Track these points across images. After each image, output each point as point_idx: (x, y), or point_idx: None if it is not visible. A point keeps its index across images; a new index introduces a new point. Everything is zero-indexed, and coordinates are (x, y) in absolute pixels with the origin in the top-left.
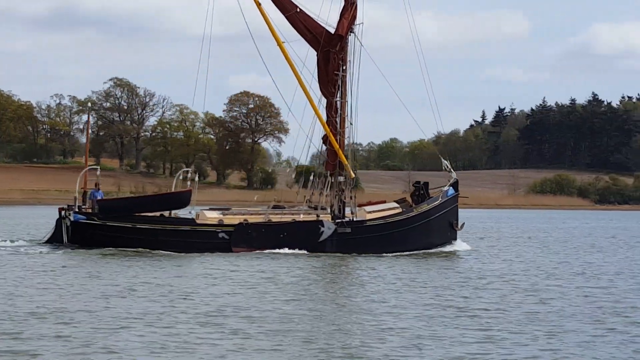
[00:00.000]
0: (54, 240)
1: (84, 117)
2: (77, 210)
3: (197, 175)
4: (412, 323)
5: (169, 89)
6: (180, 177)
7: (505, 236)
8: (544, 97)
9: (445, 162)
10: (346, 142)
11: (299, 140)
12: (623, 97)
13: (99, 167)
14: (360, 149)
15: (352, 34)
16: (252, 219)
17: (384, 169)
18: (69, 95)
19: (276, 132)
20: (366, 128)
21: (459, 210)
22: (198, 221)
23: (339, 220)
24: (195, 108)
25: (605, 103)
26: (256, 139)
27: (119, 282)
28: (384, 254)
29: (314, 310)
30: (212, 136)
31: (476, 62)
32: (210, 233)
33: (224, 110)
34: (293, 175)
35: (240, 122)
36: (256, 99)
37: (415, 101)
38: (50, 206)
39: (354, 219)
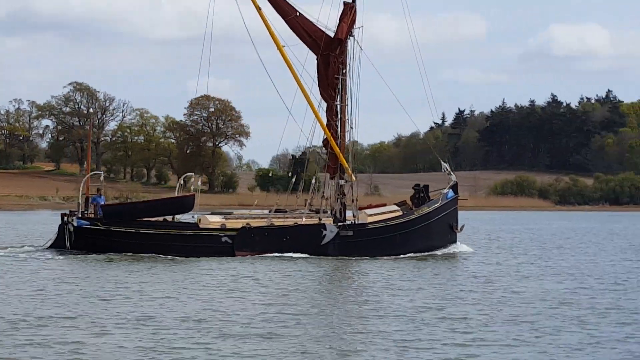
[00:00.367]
0: (57, 246)
1: (44, 122)
2: (80, 215)
3: (199, 181)
4: (403, 326)
5: (128, 93)
6: (182, 182)
7: (499, 239)
8: (504, 99)
9: (445, 164)
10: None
11: (296, 142)
12: (582, 99)
13: (102, 173)
14: (319, 152)
15: (351, 37)
16: (255, 223)
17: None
18: (28, 100)
19: (237, 135)
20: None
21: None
22: (201, 225)
23: (341, 224)
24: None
25: (565, 104)
26: (217, 143)
27: (126, 286)
28: (385, 257)
29: (307, 315)
30: (173, 140)
31: (435, 64)
32: (213, 237)
33: (184, 114)
34: (293, 180)
35: (201, 126)
36: (217, 102)
37: (378, 104)
38: (10, 212)
39: (356, 222)
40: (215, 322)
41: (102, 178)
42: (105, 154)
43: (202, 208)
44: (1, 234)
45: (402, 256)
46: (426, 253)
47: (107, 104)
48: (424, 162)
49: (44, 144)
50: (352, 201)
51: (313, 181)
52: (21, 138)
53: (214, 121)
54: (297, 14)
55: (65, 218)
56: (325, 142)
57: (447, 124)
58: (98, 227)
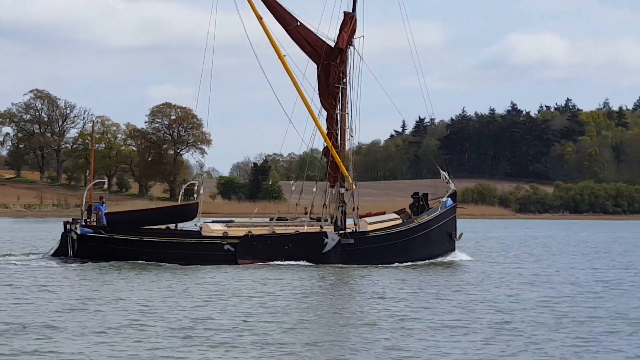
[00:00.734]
0: (60, 254)
1: (4, 129)
2: (83, 223)
3: (202, 188)
4: (394, 335)
5: (89, 100)
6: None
7: (491, 247)
8: (464, 107)
9: (444, 173)
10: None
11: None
12: (541, 107)
13: (105, 182)
14: (280, 159)
15: (351, 47)
16: (257, 231)
17: (306, 180)
18: None
19: (198, 143)
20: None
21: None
22: (203, 233)
23: (342, 232)
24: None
25: (524, 113)
26: (178, 150)
27: (125, 294)
28: (386, 265)
29: (304, 322)
30: (134, 148)
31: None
32: (216, 245)
33: (145, 122)
34: (293, 188)
35: (162, 134)
36: (178, 110)
37: None
38: None
39: (357, 230)
40: (211, 330)
41: (105, 186)
42: (66, 162)
43: None
44: None
45: (402, 265)
46: (426, 261)
47: (68, 112)
48: (384, 169)
49: (4, 152)
50: (353, 209)
51: (314, 189)
52: None
53: (175, 129)
54: (298, 23)
55: (68, 226)
56: (326, 151)
57: (407, 132)
58: (101, 235)
